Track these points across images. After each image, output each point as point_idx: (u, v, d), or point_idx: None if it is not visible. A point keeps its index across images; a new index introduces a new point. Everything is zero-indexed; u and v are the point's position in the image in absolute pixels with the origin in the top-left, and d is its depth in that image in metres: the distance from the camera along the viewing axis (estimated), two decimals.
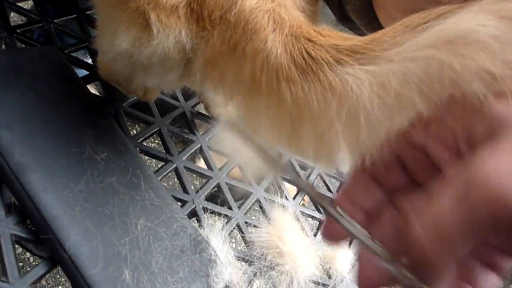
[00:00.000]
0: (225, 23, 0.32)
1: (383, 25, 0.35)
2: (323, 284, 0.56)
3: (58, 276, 0.95)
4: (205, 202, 0.53)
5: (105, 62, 0.48)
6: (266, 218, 0.56)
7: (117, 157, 0.45)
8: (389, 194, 0.26)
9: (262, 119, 0.31)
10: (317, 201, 0.27)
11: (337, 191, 0.72)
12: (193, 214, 0.51)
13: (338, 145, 0.27)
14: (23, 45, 0.54)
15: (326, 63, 0.28)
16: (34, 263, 0.92)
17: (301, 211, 0.62)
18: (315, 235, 0.61)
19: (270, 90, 0.30)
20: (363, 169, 0.26)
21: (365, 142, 0.25)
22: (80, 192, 0.40)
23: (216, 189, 0.57)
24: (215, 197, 0.58)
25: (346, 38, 0.29)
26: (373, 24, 0.36)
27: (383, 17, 0.35)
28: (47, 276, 0.91)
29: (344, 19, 0.39)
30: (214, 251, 0.45)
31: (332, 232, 0.26)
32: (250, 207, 0.57)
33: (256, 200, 0.58)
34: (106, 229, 0.39)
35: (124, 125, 0.53)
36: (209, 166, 0.58)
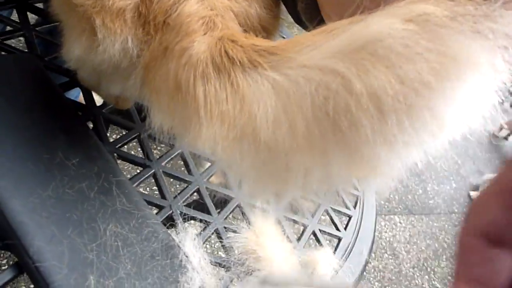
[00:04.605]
0: (166, 27, 0.32)
1: None
2: None
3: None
4: (184, 207, 0.52)
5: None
6: (247, 223, 0.56)
7: (89, 163, 0.45)
8: None
9: (176, 118, 0.32)
10: None
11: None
12: (170, 220, 0.51)
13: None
14: (4, 53, 0.54)
15: (240, 63, 0.28)
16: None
17: (284, 216, 0.61)
18: (298, 240, 0.60)
19: (187, 87, 0.30)
20: (475, 236, 0.20)
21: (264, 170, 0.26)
22: (48, 198, 0.40)
23: (195, 194, 0.56)
24: (200, 204, 0.58)
25: (268, 41, 0.29)
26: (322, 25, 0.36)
27: (327, 20, 0.34)
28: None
29: (300, 22, 0.38)
30: (187, 257, 0.44)
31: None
32: (231, 212, 0.57)
33: (237, 205, 0.58)
34: (73, 235, 0.39)
35: (102, 131, 0.53)
36: (189, 171, 0.58)
